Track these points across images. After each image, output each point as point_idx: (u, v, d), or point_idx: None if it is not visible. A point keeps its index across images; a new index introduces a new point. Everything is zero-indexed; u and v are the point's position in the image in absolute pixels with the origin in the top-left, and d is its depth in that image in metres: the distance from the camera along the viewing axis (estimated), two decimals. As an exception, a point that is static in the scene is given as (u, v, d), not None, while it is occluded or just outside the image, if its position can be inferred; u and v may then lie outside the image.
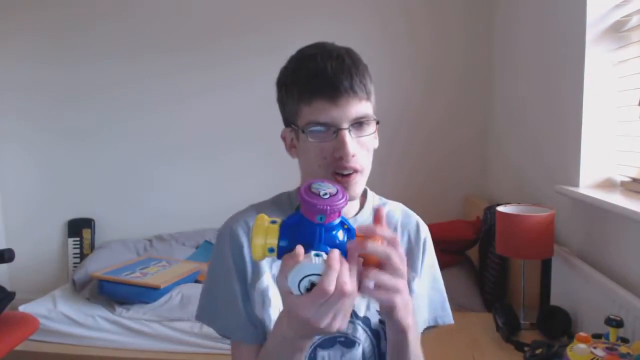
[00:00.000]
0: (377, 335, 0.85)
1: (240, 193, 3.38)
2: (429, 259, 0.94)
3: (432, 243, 0.96)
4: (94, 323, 2.45)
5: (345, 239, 0.64)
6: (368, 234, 0.65)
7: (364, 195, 0.92)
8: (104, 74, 3.39)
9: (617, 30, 1.67)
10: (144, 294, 2.50)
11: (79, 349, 2.41)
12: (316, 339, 0.83)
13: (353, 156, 0.76)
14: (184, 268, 2.79)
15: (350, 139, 0.76)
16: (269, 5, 3.26)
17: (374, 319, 0.85)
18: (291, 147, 0.85)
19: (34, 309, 2.46)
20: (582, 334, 1.15)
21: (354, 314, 0.84)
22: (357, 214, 0.89)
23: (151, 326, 2.41)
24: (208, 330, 2.30)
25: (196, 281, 2.73)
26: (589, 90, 1.71)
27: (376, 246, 0.64)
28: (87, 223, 3.45)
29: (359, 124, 0.77)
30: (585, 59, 1.70)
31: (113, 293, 2.54)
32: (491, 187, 3.08)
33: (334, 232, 0.64)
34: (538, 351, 1.30)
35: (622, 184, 1.70)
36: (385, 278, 0.64)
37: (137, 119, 3.42)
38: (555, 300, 1.78)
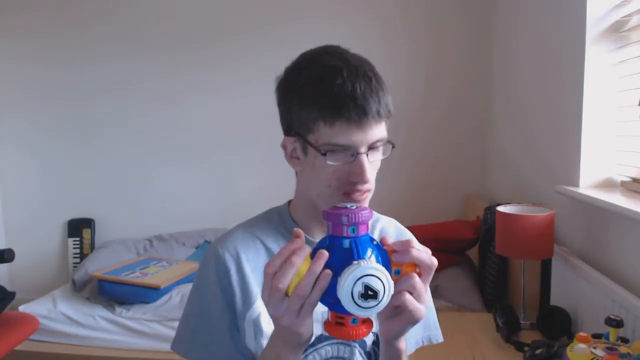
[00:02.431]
0: (369, 357, 0.83)
1: (240, 193, 3.40)
2: None
3: None
4: (94, 323, 2.45)
5: (377, 255, 0.61)
6: (401, 247, 0.63)
7: None
8: (103, 74, 3.39)
9: (617, 30, 1.67)
10: (144, 294, 2.50)
11: (79, 349, 2.41)
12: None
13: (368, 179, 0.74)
14: (184, 268, 2.79)
15: (368, 164, 0.73)
16: (269, 5, 3.26)
17: (369, 341, 0.83)
18: (292, 158, 0.79)
19: (34, 309, 2.46)
20: (582, 334, 1.15)
21: None
22: None
23: (151, 326, 2.41)
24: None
25: (196, 281, 2.73)
26: (589, 90, 1.71)
27: (421, 254, 0.62)
28: (87, 223, 3.45)
29: (375, 147, 0.75)
30: (585, 59, 1.70)
31: (113, 293, 2.54)
32: (491, 187, 3.08)
33: (366, 248, 0.61)
34: (538, 351, 1.30)
35: (622, 184, 1.70)
36: (422, 286, 0.62)
37: (137, 118, 3.42)
38: (555, 300, 1.78)
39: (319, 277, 0.58)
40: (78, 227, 3.45)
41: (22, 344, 2.17)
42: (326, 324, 0.63)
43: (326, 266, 0.59)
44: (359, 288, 0.56)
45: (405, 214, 2.99)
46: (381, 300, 0.58)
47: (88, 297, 2.61)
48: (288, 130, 0.79)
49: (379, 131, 0.73)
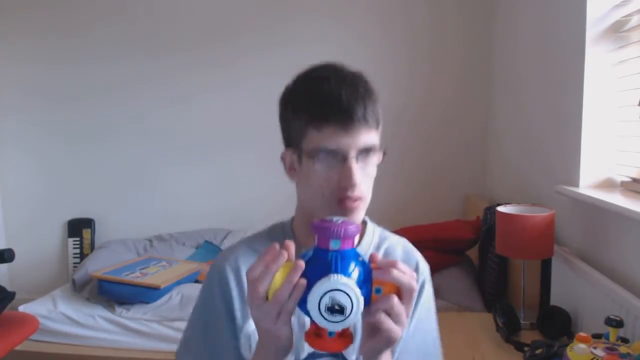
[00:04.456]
0: None
1: (240, 193, 3.40)
2: (426, 302, 0.89)
3: (431, 284, 0.91)
4: (94, 323, 2.44)
5: (361, 271, 0.61)
6: (385, 266, 0.63)
7: (364, 226, 0.89)
8: (103, 75, 3.39)
9: (617, 30, 1.67)
10: (144, 294, 2.50)
11: (79, 349, 2.41)
12: None
13: (358, 186, 0.75)
14: (184, 268, 2.79)
15: (357, 168, 0.74)
16: (269, 5, 3.25)
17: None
18: (291, 170, 0.82)
19: (34, 309, 2.46)
20: (582, 334, 1.15)
21: (343, 357, 0.82)
22: (357, 245, 0.86)
23: (151, 326, 2.41)
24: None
25: (196, 281, 2.73)
26: (589, 90, 1.71)
27: (401, 275, 0.62)
28: (87, 223, 3.45)
29: (365, 153, 0.76)
30: (585, 59, 1.71)
31: (113, 293, 2.54)
32: (491, 187, 3.08)
33: (348, 262, 0.61)
34: (538, 351, 1.30)
35: (622, 184, 1.70)
36: (401, 308, 0.63)
37: (137, 119, 3.42)
38: (555, 300, 1.78)
39: (295, 286, 0.60)
40: (78, 227, 3.45)
41: (22, 344, 2.17)
42: (306, 334, 0.64)
43: (306, 277, 0.60)
44: (326, 301, 0.57)
45: (406, 214, 3.01)
46: (348, 317, 0.58)
47: (88, 297, 2.61)
48: (287, 142, 0.82)
49: (368, 138, 0.75)
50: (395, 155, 3.16)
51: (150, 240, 3.28)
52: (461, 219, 2.99)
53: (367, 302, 0.61)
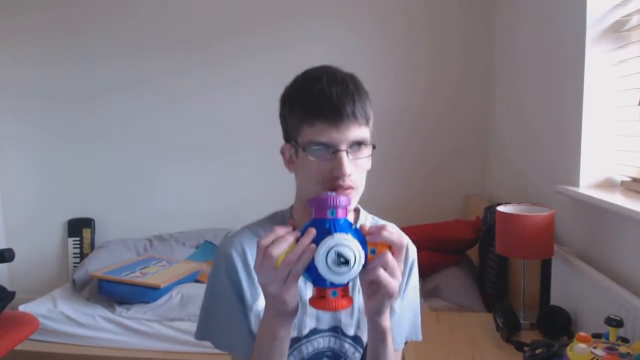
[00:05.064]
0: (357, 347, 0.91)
1: (240, 193, 3.40)
2: (414, 281, 0.98)
3: (417, 266, 1.00)
4: (94, 323, 2.45)
5: (355, 237, 0.69)
6: (375, 230, 0.71)
7: (357, 214, 0.97)
8: (103, 75, 3.39)
9: (617, 30, 1.67)
10: (144, 294, 2.50)
11: (79, 349, 2.41)
12: (304, 353, 0.89)
13: (349, 176, 0.81)
14: (184, 268, 2.79)
15: (348, 160, 0.80)
16: (270, 6, 3.25)
17: (365, 337, 0.88)
18: (289, 163, 0.89)
19: (34, 309, 2.46)
20: (582, 333, 1.15)
21: (342, 333, 0.90)
22: None
23: (151, 326, 2.41)
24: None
25: (196, 281, 2.73)
26: (589, 90, 1.71)
27: (391, 234, 0.70)
28: (87, 223, 3.45)
29: (357, 146, 0.82)
30: (585, 59, 1.70)
31: (113, 293, 2.54)
32: (491, 187, 3.08)
33: (345, 228, 0.69)
34: (538, 351, 1.30)
35: (622, 183, 1.70)
36: (394, 263, 0.70)
37: (137, 119, 3.42)
38: (555, 300, 1.78)
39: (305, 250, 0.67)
40: (78, 227, 3.45)
41: (22, 344, 2.17)
42: (310, 300, 0.71)
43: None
44: (332, 256, 0.66)
45: (406, 214, 3.01)
46: (353, 267, 0.66)
47: (88, 297, 2.61)
48: (286, 137, 0.89)
49: (358, 132, 0.82)
50: (396, 155, 3.16)
51: (150, 240, 3.28)
52: (461, 219, 2.99)
53: (365, 262, 0.69)
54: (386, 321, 0.77)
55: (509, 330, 1.64)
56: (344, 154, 0.80)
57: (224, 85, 3.32)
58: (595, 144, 1.73)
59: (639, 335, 1.26)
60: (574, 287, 1.64)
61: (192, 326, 2.35)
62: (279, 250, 0.68)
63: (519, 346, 1.57)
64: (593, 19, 1.69)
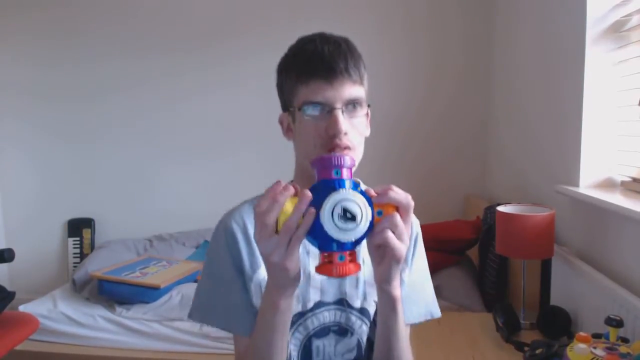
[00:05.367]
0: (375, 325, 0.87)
1: (240, 193, 3.36)
2: (420, 253, 0.97)
3: (422, 239, 0.98)
4: (94, 323, 2.45)
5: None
6: (381, 191, 0.67)
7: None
8: (103, 75, 3.39)
9: (617, 30, 1.67)
10: (144, 294, 2.50)
11: (79, 349, 2.41)
12: (310, 328, 0.86)
13: (345, 134, 0.80)
14: (184, 268, 2.79)
15: (343, 118, 0.80)
16: (270, 6, 3.26)
17: (372, 309, 0.88)
18: (288, 131, 0.89)
19: (34, 309, 2.46)
20: (582, 333, 1.15)
21: (348, 305, 0.88)
22: None
23: (151, 326, 2.41)
24: (208, 329, 2.30)
25: (196, 281, 2.73)
26: (589, 90, 1.71)
27: (398, 194, 0.67)
28: (87, 223, 3.45)
29: (352, 105, 0.82)
30: (585, 59, 1.70)
31: (113, 293, 2.54)
32: (491, 187, 3.08)
33: (351, 187, 0.65)
34: (538, 351, 1.30)
35: (622, 183, 1.70)
36: (402, 225, 0.66)
37: (137, 119, 3.42)
38: (555, 300, 1.78)
39: (305, 214, 0.63)
40: (78, 227, 3.45)
41: (22, 344, 2.17)
42: (317, 267, 0.66)
43: (313, 205, 0.63)
44: (338, 211, 0.62)
45: (405, 214, 3.00)
46: (360, 224, 0.63)
47: (88, 297, 2.61)
48: (283, 106, 0.89)
49: (353, 90, 0.81)
50: (395, 155, 3.16)
51: (150, 240, 3.28)
52: (461, 219, 2.99)
53: (372, 225, 0.65)
54: (396, 289, 0.74)
55: (509, 330, 1.64)
56: (339, 112, 0.80)
57: (224, 85, 3.32)
58: (595, 144, 1.73)
59: (639, 335, 1.26)
60: (574, 287, 1.64)
61: (192, 326, 2.36)
62: (273, 217, 0.63)
63: (519, 346, 1.57)
64: (593, 19, 1.69)
